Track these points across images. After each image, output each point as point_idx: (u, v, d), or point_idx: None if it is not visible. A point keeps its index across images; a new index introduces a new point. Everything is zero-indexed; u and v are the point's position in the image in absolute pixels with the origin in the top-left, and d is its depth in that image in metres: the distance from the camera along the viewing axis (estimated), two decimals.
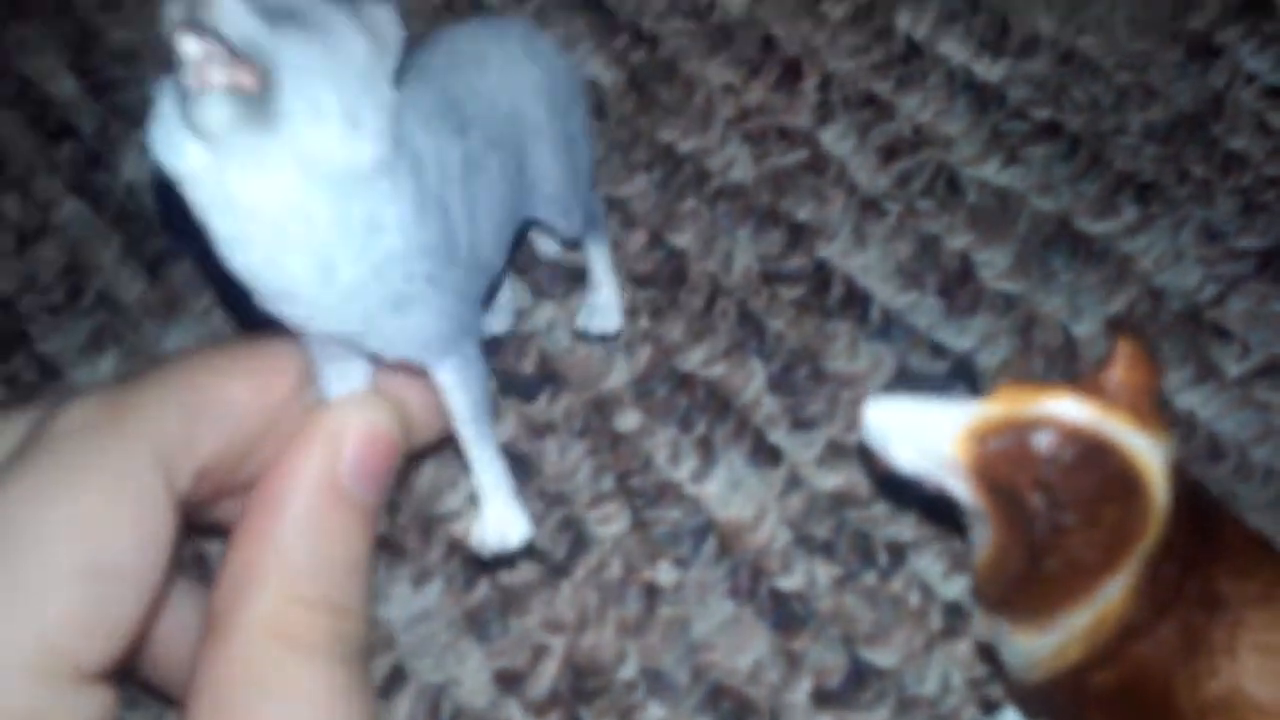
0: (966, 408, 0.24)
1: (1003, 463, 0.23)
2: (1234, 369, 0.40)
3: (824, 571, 0.37)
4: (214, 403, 0.25)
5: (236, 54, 0.21)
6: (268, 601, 0.23)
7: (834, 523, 0.38)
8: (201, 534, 0.26)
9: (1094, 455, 0.23)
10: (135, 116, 0.49)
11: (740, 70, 0.46)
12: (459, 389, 0.28)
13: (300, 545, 0.24)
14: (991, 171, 0.43)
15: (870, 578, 0.37)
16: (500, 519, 0.29)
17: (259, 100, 0.22)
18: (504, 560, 0.37)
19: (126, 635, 0.23)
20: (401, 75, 0.27)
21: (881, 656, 0.36)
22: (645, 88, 0.46)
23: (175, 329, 0.44)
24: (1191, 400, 0.39)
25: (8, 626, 0.21)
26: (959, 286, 0.42)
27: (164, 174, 0.23)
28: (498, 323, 0.41)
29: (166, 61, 0.22)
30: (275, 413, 0.26)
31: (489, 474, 0.29)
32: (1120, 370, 0.23)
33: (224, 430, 0.25)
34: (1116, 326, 0.25)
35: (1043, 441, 0.23)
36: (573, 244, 0.40)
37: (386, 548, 0.39)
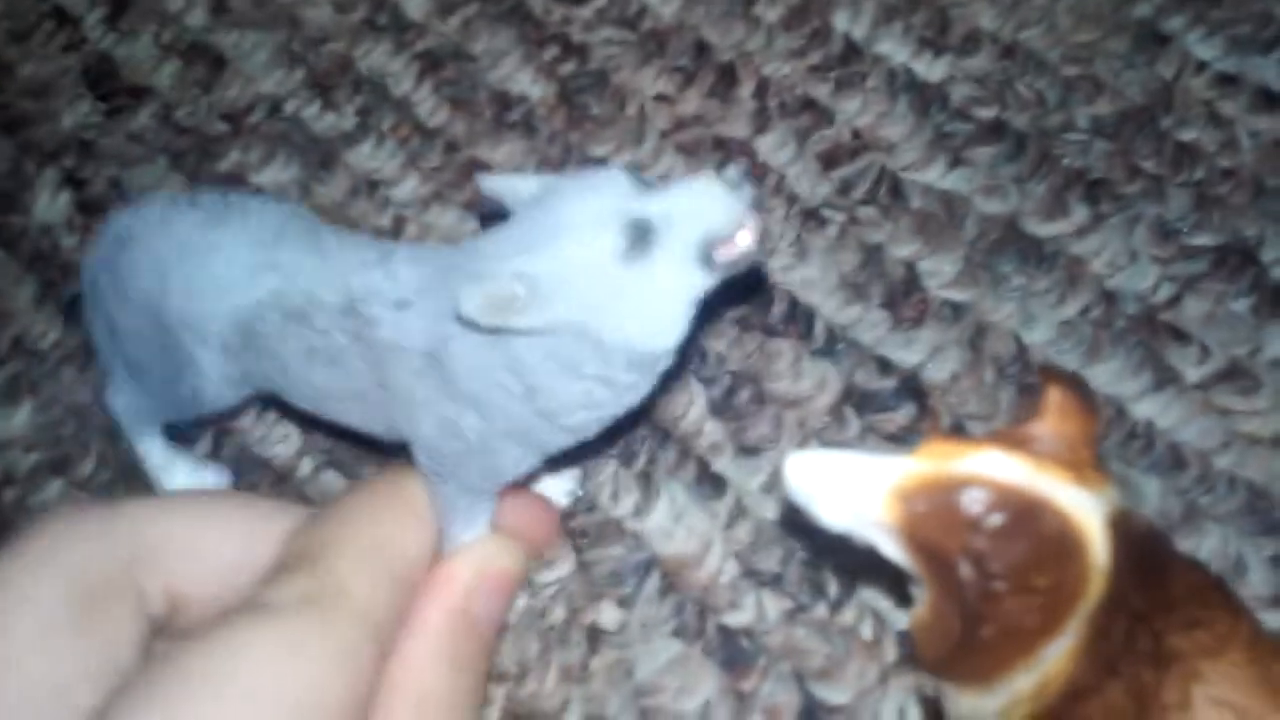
0: (894, 462, 0.22)
1: (930, 526, 0.21)
2: (1193, 373, 0.38)
3: (773, 605, 0.36)
4: (189, 543, 0.30)
5: None
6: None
7: (782, 553, 0.37)
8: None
9: (1025, 518, 0.21)
10: (47, 153, 0.47)
11: (674, 79, 0.44)
12: None
13: (431, 670, 0.30)
14: (936, 175, 0.42)
15: (821, 610, 0.36)
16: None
17: None
18: None
19: None
20: None
21: (834, 693, 0.35)
22: (576, 101, 0.44)
23: (94, 376, 0.42)
24: (1150, 408, 0.38)
25: None
26: (905, 297, 0.40)
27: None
28: None
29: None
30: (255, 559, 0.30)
31: None
32: (1051, 420, 0.22)
33: (195, 567, 0.29)
34: (1043, 373, 0.23)
35: (971, 504, 0.21)
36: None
37: None
